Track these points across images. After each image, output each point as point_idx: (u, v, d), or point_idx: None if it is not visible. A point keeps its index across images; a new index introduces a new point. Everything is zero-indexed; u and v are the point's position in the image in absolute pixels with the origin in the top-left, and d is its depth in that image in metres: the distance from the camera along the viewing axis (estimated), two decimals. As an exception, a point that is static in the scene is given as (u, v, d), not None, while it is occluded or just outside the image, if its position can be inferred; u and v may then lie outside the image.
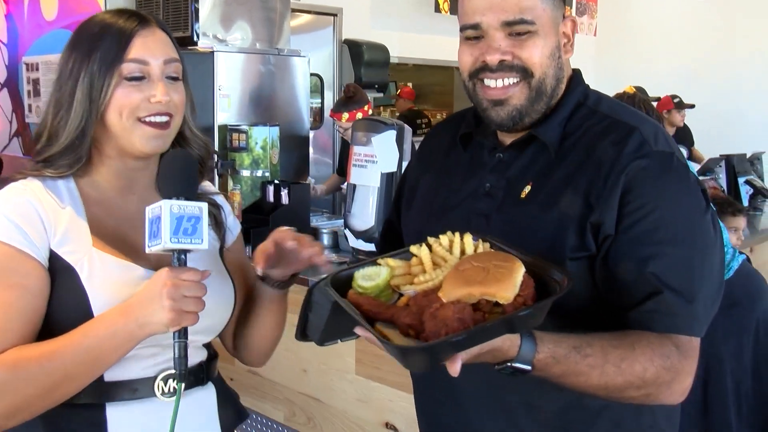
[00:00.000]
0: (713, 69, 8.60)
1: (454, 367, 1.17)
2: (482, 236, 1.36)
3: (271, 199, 3.92)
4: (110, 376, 1.43)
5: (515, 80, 1.45)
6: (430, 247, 1.34)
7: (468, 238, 1.33)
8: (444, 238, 1.34)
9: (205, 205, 1.34)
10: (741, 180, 5.19)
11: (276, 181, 4.00)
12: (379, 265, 1.31)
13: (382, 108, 9.48)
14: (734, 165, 5.24)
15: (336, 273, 1.31)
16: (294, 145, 5.26)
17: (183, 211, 1.30)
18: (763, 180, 5.65)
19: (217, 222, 1.61)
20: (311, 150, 5.91)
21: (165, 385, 1.48)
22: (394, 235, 1.74)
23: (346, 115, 4.83)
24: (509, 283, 1.19)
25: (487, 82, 1.47)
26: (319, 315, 1.33)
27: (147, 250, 1.33)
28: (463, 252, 1.33)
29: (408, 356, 1.15)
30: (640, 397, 1.34)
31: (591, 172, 1.41)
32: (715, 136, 7.72)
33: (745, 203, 5.08)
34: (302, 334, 1.44)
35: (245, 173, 4.65)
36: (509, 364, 1.26)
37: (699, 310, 1.37)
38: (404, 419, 2.93)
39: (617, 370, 1.29)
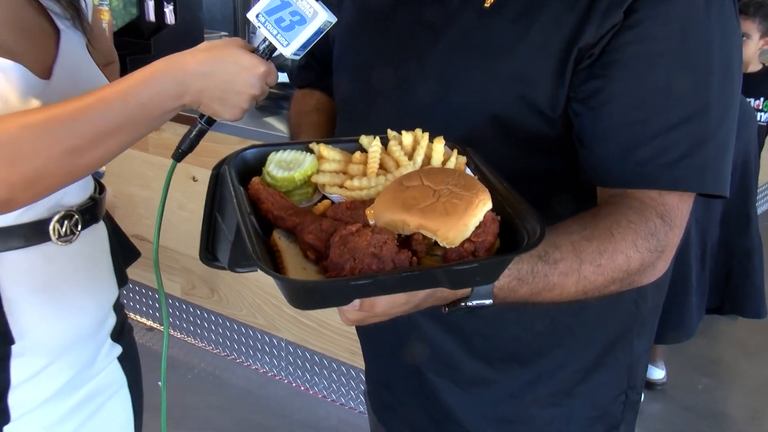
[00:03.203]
0: None
1: (346, 317, 0.89)
2: (461, 147, 1.00)
3: (152, 17, 3.21)
4: None
5: None
6: (387, 144, 0.99)
7: (439, 144, 0.97)
8: (408, 136, 0.99)
9: None
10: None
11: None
12: (308, 152, 0.97)
13: None
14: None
15: (243, 150, 0.98)
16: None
17: None
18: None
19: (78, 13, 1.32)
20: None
21: (62, 228, 1.25)
22: (317, 69, 1.43)
23: None
24: (460, 220, 0.84)
25: None
26: (231, 221, 0.99)
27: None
28: (428, 162, 0.97)
29: (287, 290, 0.83)
30: (621, 288, 1.07)
31: None
32: None
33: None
34: (206, 251, 1.08)
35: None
36: (463, 304, 0.96)
37: (711, 154, 1.05)
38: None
39: (596, 270, 1.01)
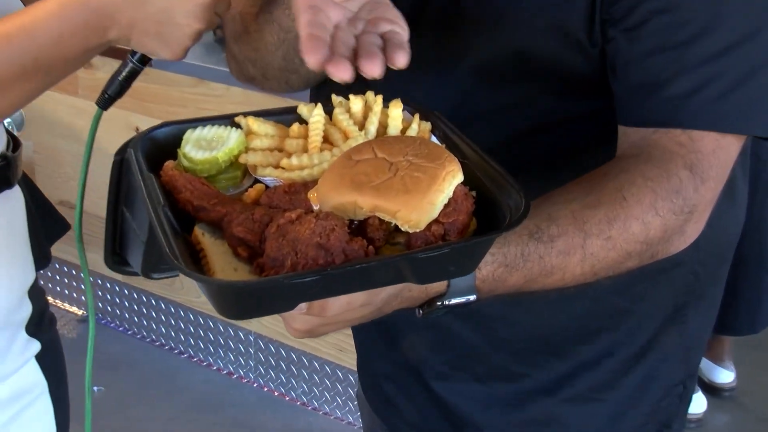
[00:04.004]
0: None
1: (292, 327, 0.75)
2: (425, 110, 0.84)
3: None
4: None
5: None
6: (331, 112, 0.82)
7: (396, 108, 0.81)
8: (357, 102, 0.82)
9: None
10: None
11: None
12: (234, 126, 0.80)
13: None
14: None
15: (152, 129, 0.81)
16: None
17: None
18: None
19: None
20: None
21: None
22: None
23: None
24: (424, 197, 0.69)
25: None
26: (141, 217, 0.81)
27: None
28: (384, 131, 0.81)
29: (214, 294, 0.67)
30: (641, 262, 0.89)
31: None
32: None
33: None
34: (113, 254, 0.90)
35: None
36: (439, 303, 0.80)
37: (763, 87, 0.88)
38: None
39: (605, 243, 0.84)
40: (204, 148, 0.77)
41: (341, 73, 0.72)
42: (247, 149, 0.78)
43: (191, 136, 0.78)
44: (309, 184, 0.74)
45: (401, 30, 0.78)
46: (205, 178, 0.77)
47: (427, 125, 0.82)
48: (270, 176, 0.77)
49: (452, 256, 0.69)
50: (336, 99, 0.84)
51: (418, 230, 0.69)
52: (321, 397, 2.74)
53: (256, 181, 0.79)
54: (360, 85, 0.77)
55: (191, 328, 2.95)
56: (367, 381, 1.29)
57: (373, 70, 0.73)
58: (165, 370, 2.95)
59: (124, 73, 0.96)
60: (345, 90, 0.78)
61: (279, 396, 2.83)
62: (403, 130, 0.80)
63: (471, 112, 0.96)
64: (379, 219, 0.70)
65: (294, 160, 0.76)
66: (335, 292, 0.70)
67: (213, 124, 0.80)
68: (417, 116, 0.82)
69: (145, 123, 2.49)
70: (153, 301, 3.01)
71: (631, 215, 0.84)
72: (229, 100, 2.43)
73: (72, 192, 2.71)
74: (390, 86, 0.80)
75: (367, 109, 0.82)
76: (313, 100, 1.16)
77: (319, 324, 0.75)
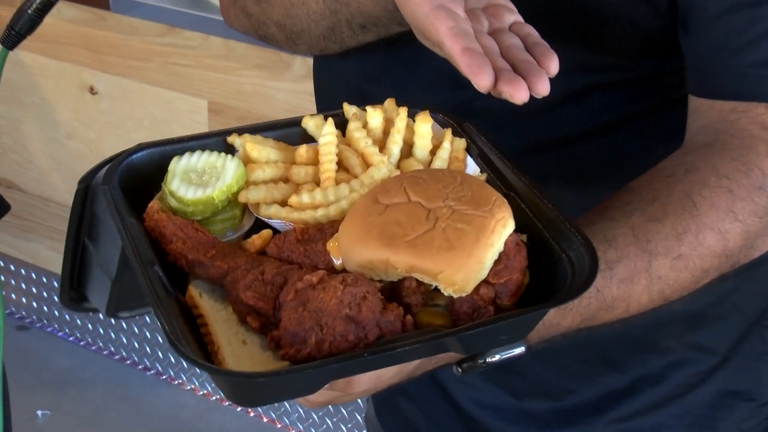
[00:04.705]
0: None
1: (308, 400, 0.65)
2: (457, 120, 0.72)
3: None
4: None
5: None
6: (344, 124, 0.70)
7: (425, 123, 0.68)
8: (375, 115, 0.69)
9: None
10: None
11: None
12: (228, 154, 0.67)
13: None
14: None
15: (128, 154, 0.67)
16: None
17: None
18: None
19: None
20: None
21: None
22: None
23: None
24: (470, 255, 0.58)
25: None
26: (109, 252, 0.69)
27: None
28: (408, 151, 0.69)
29: (229, 387, 0.57)
30: (720, 273, 0.77)
31: None
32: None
33: None
34: (71, 289, 0.77)
35: None
36: (481, 361, 0.67)
37: None
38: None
39: (676, 264, 0.72)
40: (195, 183, 0.64)
41: (519, 93, 0.59)
42: (247, 183, 0.65)
43: (177, 168, 0.65)
44: (326, 230, 0.62)
45: (529, 27, 0.66)
46: (198, 221, 0.64)
47: (462, 143, 0.69)
48: (276, 218, 0.64)
49: (506, 328, 0.58)
50: (348, 109, 0.70)
51: (464, 294, 0.58)
52: (321, 425, 2.27)
53: (258, 220, 0.66)
54: None
55: (159, 338, 2.39)
56: (380, 400, 1.15)
57: (541, 89, 0.60)
58: (126, 391, 2.39)
59: (34, 5, 0.81)
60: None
61: (269, 422, 2.29)
62: (434, 150, 0.68)
63: None
64: (417, 281, 0.59)
65: (305, 198, 0.64)
66: (366, 371, 0.60)
67: (201, 149, 0.67)
68: (448, 132, 0.69)
69: (102, 81, 2.20)
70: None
71: (705, 225, 0.72)
72: (206, 52, 2.03)
73: (10, 166, 2.34)
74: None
75: (387, 122, 0.69)
76: (318, 93, 1.02)
77: (339, 397, 0.64)
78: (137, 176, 0.67)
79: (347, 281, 0.57)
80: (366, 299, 0.57)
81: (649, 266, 0.71)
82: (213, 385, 2.30)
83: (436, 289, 0.59)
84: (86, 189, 0.68)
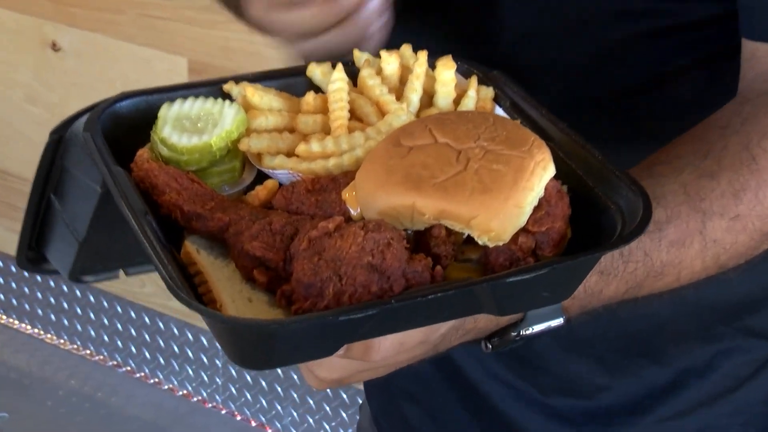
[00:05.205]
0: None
1: (317, 377, 0.59)
2: (484, 70, 0.66)
3: None
4: None
5: None
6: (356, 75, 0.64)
7: (448, 69, 0.62)
8: (391, 59, 0.64)
9: None
10: None
11: None
12: (226, 99, 0.61)
13: None
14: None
15: (113, 101, 0.61)
16: None
17: None
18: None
19: None
20: None
21: None
22: None
23: None
24: (508, 199, 0.52)
25: None
26: (79, 210, 0.65)
27: None
28: (428, 101, 0.63)
29: (232, 338, 0.51)
30: None
31: None
32: None
33: None
34: (28, 249, 0.72)
35: None
36: (514, 333, 0.64)
37: None
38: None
39: (733, 224, 0.66)
40: (189, 130, 0.58)
41: None
42: (247, 131, 0.59)
43: (169, 114, 0.59)
44: (340, 180, 0.57)
45: None
46: (193, 171, 0.58)
47: (489, 92, 0.63)
48: (282, 168, 0.58)
49: (549, 279, 0.52)
50: (360, 56, 0.64)
51: (500, 243, 0.52)
52: (318, 429, 2.09)
53: (260, 174, 0.59)
54: None
55: (132, 331, 2.19)
56: (379, 404, 1.05)
57: None
58: (96, 390, 2.16)
59: None
60: None
61: (258, 426, 2.10)
62: (457, 100, 0.62)
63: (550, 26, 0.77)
64: (447, 228, 0.53)
65: (314, 146, 0.58)
66: (390, 330, 0.53)
67: (195, 96, 0.60)
68: (474, 80, 0.63)
69: (66, 36, 1.96)
70: (78, 293, 2.23)
71: (766, 182, 0.65)
72: (187, 3, 1.83)
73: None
74: None
75: (404, 69, 0.64)
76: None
77: (356, 371, 0.57)
78: (121, 127, 0.61)
79: (369, 227, 0.51)
80: (390, 246, 0.51)
81: (702, 228, 0.65)
82: (194, 384, 2.16)
83: (468, 241, 0.53)
84: (59, 141, 0.63)
